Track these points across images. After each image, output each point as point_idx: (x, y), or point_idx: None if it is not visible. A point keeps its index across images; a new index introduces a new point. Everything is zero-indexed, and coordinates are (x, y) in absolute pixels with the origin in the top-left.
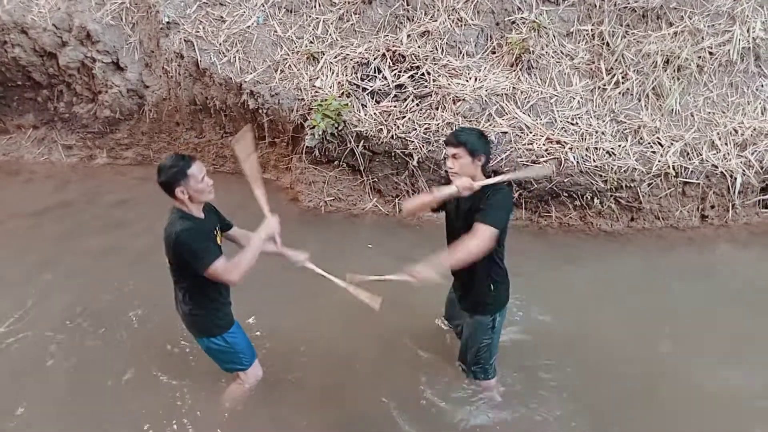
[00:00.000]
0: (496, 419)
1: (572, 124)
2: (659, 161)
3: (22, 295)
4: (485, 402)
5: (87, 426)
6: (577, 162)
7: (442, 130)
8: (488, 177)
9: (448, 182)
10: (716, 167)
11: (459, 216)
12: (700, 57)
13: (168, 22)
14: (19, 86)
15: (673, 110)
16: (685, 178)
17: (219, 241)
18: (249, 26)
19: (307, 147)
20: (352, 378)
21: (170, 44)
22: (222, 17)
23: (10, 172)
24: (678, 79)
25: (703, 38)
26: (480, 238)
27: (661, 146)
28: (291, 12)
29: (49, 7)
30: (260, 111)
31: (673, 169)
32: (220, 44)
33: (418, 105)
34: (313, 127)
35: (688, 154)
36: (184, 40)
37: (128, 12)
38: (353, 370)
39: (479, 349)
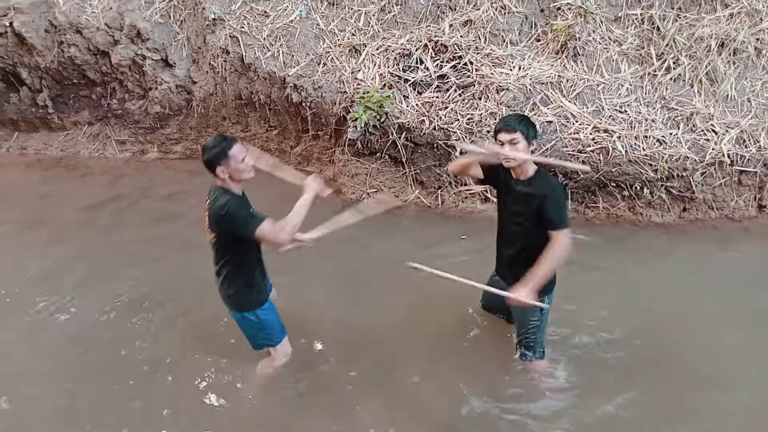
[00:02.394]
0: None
1: (620, 112)
2: (713, 149)
3: (79, 282)
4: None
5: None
6: (626, 151)
7: (485, 120)
8: (538, 168)
9: (503, 170)
10: None
11: (509, 206)
12: (758, 39)
13: (214, 19)
14: (75, 84)
15: (728, 96)
16: (741, 167)
17: None
18: (292, 20)
19: (349, 139)
20: (389, 362)
21: (216, 40)
22: (266, 12)
23: (68, 167)
24: (734, 63)
25: (761, 19)
26: (561, 245)
27: (715, 133)
28: (333, 5)
29: (101, 7)
30: (303, 104)
31: (728, 157)
32: (264, 39)
33: (460, 95)
34: (356, 119)
35: (744, 141)
36: (230, 36)
37: (176, 10)
38: (389, 355)
39: (528, 330)
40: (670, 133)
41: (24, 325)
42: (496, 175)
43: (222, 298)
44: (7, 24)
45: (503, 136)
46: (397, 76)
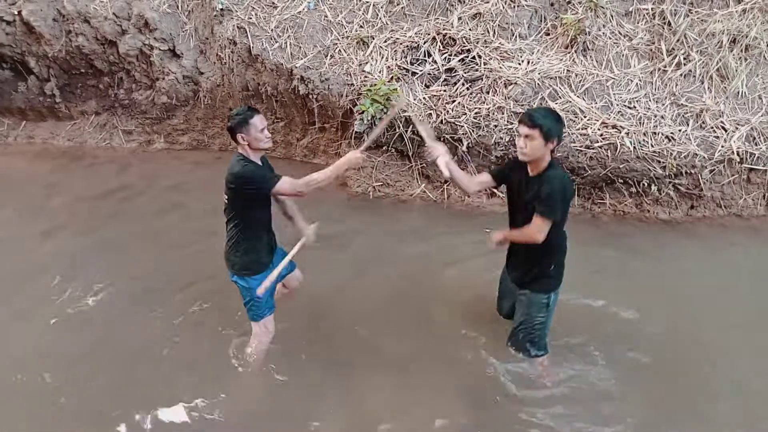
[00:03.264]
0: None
1: (629, 107)
2: (722, 146)
3: (84, 272)
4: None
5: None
6: (634, 147)
7: (493, 114)
8: (554, 160)
9: (518, 163)
10: None
11: (520, 202)
12: None
13: (222, 9)
14: (83, 74)
15: (738, 93)
16: (751, 165)
17: None
18: (300, 12)
19: (356, 132)
20: (386, 352)
21: (224, 31)
22: (274, 3)
23: (75, 156)
24: (745, 59)
25: None
26: (536, 230)
27: (725, 131)
28: None
29: None
30: (310, 96)
31: (738, 154)
32: (272, 30)
33: (468, 89)
34: (363, 112)
35: (754, 139)
36: (237, 27)
37: (184, 0)
38: (388, 345)
39: (533, 326)
40: (679, 130)
41: (29, 312)
42: (508, 174)
43: (224, 259)
44: (16, 12)
45: (522, 129)
46: (404, 68)
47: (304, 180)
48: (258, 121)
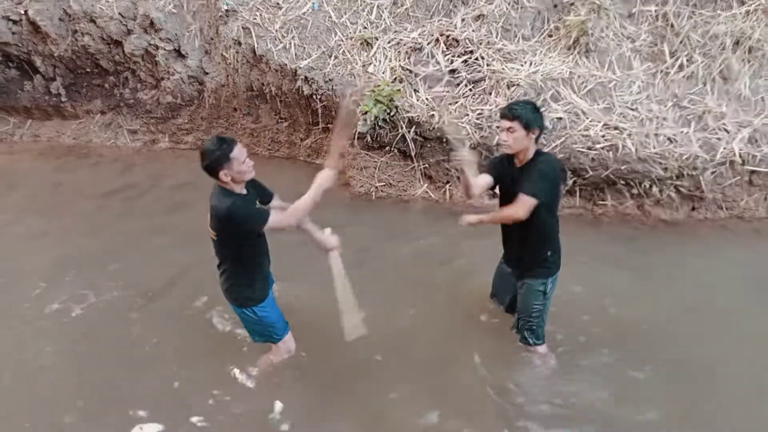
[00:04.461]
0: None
1: (631, 109)
2: (725, 148)
3: (88, 270)
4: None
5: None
6: (636, 149)
7: (495, 115)
8: (540, 149)
9: (505, 159)
10: None
11: (511, 195)
12: None
13: (227, 10)
14: (88, 73)
15: (741, 94)
16: (753, 166)
17: None
18: (304, 12)
19: (359, 132)
20: (392, 354)
21: (229, 31)
22: (278, 4)
23: (80, 155)
24: (748, 61)
25: None
26: (518, 206)
27: (727, 132)
28: None
29: None
30: (314, 97)
31: (740, 156)
32: (276, 31)
33: (471, 90)
34: (366, 112)
35: (756, 140)
36: (242, 28)
37: (189, 0)
38: (394, 346)
39: (531, 314)
40: (681, 132)
41: (32, 312)
42: (501, 170)
43: (222, 292)
44: (22, 12)
45: (502, 123)
46: (408, 69)
47: (290, 211)
48: (239, 153)
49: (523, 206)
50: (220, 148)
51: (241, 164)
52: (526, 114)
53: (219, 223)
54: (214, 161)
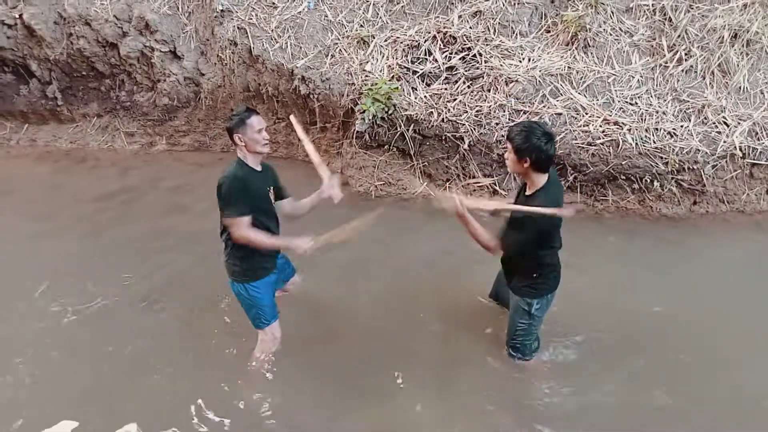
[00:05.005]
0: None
1: (631, 104)
2: (725, 142)
3: (86, 274)
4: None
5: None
6: (636, 144)
7: (494, 112)
8: (544, 174)
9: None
10: None
11: None
12: None
13: (222, 10)
14: (84, 76)
15: (740, 88)
16: (754, 160)
17: (272, 200)
18: (300, 12)
19: (357, 131)
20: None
21: (224, 32)
22: (274, 3)
23: (77, 159)
24: (747, 54)
25: None
26: (493, 244)
27: (727, 126)
28: None
29: None
30: (311, 96)
31: (740, 150)
32: (272, 30)
33: (469, 87)
34: (364, 111)
35: (756, 134)
36: (238, 28)
37: (184, 1)
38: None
39: (515, 331)
40: (681, 126)
41: (31, 316)
42: (516, 192)
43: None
44: (17, 16)
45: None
46: (405, 67)
47: (249, 235)
48: (255, 122)
49: (497, 247)
50: (240, 114)
51: (255, 132)
52: (517, 141)
53: (217, 191)
54: (232, 124)
